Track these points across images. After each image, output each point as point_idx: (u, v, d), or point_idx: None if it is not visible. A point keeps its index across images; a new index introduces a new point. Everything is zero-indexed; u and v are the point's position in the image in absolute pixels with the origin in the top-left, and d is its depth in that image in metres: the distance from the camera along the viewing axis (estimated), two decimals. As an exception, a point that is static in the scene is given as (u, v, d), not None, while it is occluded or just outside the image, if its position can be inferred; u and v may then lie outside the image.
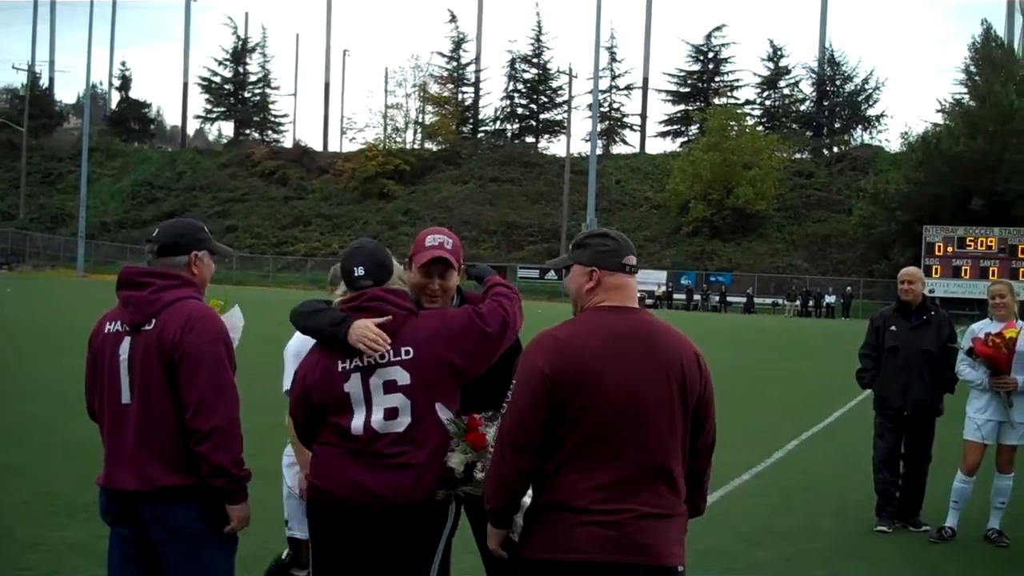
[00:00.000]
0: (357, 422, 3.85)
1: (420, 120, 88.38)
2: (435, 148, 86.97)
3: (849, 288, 61.60)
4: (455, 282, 4.32)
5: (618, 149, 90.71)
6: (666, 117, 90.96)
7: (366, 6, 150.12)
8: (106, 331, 3.99)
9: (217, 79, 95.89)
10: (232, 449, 3.82)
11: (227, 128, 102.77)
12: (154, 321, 3.86)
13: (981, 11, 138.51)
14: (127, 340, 3.90)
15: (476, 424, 3.94)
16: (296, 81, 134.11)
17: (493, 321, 4.01)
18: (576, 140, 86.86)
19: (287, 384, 5.07)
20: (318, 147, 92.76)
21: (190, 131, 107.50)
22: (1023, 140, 55.78)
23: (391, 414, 3.84)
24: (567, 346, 3.33)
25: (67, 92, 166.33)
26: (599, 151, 72.58)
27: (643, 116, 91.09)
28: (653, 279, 63.11)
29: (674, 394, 3.34)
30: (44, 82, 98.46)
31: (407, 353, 3.85)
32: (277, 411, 5.73)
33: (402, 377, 3.85)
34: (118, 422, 3.90)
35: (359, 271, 3.95)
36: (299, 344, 5.12)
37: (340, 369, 3.90)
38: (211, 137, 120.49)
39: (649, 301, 56.27)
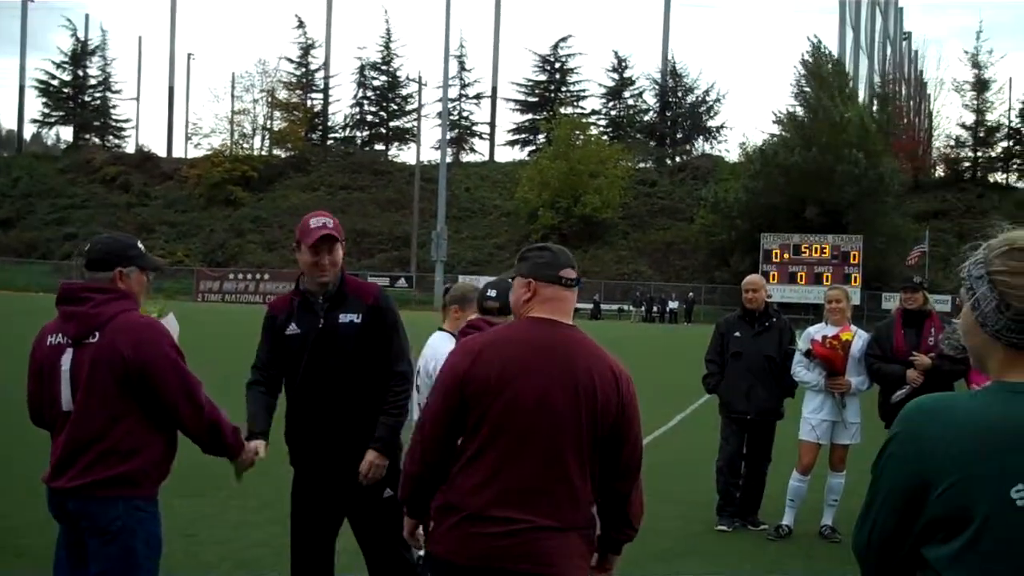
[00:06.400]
0: None
1: (268, 126, 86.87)
2: (284, 155, 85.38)
3: (691, 294, 62.80)
4: (341, 256, 4.81)
5: (468, 157, 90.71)
6: (514, 126, 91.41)
7: (212, 9, 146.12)
8: (48, 343, 4.20)
9: (55, 82, 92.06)
10: (223, 424, 4.24)
11: (66, 133, 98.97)
12: (97, 334, 4.06)
13: (816, 27, 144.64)
14: (69, 352, 4.10)
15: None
16: (139, 85, 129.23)
17: None
18: (426, 148, 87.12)
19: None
20: (162, 153, 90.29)
21: (27, 136, 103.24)
22: (854, 151, 57.95)
23: None
24: (484, 351, 3.43)
25: None
26: (449, 159, 72.52)
27: (492, 125, 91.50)
28: (502, 287, 63.06)
29: (582, 408, 3.38)
30: None
31: None
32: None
33: None
34: (58, 427, 4.15)
35: (491, 292, 4.00)
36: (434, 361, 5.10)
37: None
38: (49, 142, 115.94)
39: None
